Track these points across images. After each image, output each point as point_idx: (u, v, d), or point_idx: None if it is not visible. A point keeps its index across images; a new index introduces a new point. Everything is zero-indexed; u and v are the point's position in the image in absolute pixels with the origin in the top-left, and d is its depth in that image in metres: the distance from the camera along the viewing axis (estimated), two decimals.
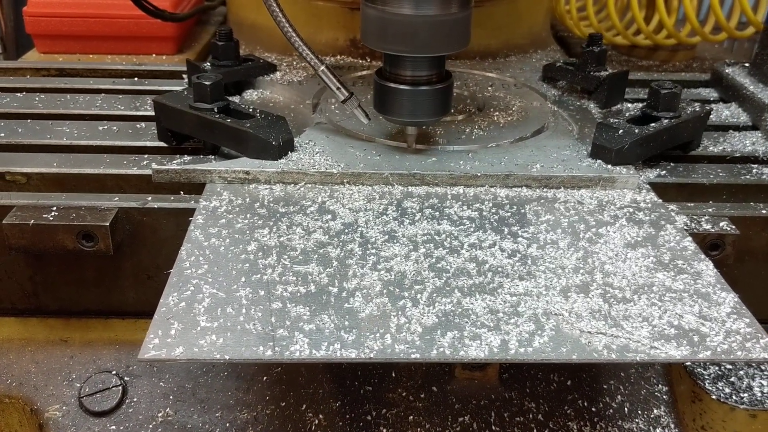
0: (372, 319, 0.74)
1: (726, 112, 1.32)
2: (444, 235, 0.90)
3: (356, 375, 1.04)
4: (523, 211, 0.96)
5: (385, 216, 0.94)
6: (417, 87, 1.02)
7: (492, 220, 0.94)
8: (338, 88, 1.11)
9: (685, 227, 0.96)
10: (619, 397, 1.03)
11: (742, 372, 0.98)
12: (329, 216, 0.93)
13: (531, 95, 1.33)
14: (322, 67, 1.10)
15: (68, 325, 1.07)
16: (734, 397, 0.95)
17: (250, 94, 1.33)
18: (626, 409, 1.02)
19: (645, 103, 1.11)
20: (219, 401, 1.02)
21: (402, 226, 0.91)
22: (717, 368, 0.99)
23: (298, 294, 0.78)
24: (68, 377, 1.04)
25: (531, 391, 1.03)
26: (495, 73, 1.46)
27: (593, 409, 1.02)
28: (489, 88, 1.35)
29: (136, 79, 1.41)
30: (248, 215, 0.92)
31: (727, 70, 1.42)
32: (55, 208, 0.96)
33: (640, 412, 1.02)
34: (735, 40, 2.73)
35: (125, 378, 1.03)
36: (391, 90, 1.03)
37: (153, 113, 1.13)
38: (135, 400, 1.02)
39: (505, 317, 0.75)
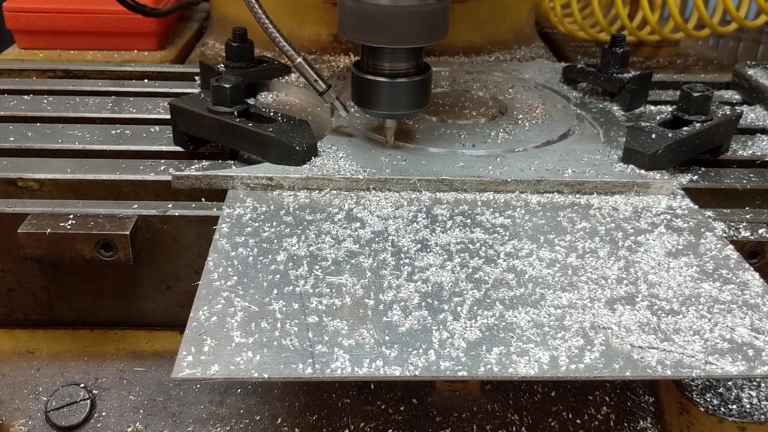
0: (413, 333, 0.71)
1: (752, 115, 1.29)
2: (478, 244, 0.86)
3: (334, 387, 1.00)
4: (558, 218, 0.93)
5: (415, 224, 0.90)
6: (395, 79, 0.99)
7: (526, 227, 0.90)
8: (315, 81, 1.09)
9: (724, 234, 0.93)
10: (604, 408, 1.00)
11: (730, 383, 0.95)
12: (358, 224, 0.89)
13: (553, 97, 1.30)
14: (299, 59, 1.08)
15: (34, 336, 1.03)
16: (723, 408, 0.92)
17: (265, 97, 1.29)
18: (612, 420, 0.99)
19: (676, 106, 1.08)
20: (191, 415, 0.98)
21: (434, 234, 0.88)
22: (705, 379, 0.96)
23: (334, 307, 0.74)
24: (34, 390, 0.99)
25: (514, 402, 1.00)
26: (513, 74, 1.43)
27: (578, 420, 0.99)
28: (510, 90, 1.32)
29: (145, 81, 1.38)
30: (274, 223, 0.89)
31: (749, 72, 1.39)
32: (72, 216, 0.92)
33: (626, 423, 0.99)
34: (720, 37, 2.71)
35: (93, 391, 0.99)
36: (368, 82, 1.00)
37: (167, 116, 1.09)
38: (104, 414, 0.97)
39: (551, 331, 0.72)
